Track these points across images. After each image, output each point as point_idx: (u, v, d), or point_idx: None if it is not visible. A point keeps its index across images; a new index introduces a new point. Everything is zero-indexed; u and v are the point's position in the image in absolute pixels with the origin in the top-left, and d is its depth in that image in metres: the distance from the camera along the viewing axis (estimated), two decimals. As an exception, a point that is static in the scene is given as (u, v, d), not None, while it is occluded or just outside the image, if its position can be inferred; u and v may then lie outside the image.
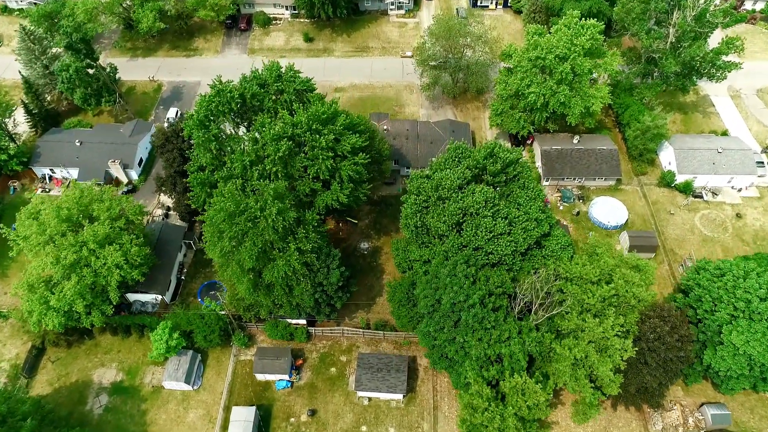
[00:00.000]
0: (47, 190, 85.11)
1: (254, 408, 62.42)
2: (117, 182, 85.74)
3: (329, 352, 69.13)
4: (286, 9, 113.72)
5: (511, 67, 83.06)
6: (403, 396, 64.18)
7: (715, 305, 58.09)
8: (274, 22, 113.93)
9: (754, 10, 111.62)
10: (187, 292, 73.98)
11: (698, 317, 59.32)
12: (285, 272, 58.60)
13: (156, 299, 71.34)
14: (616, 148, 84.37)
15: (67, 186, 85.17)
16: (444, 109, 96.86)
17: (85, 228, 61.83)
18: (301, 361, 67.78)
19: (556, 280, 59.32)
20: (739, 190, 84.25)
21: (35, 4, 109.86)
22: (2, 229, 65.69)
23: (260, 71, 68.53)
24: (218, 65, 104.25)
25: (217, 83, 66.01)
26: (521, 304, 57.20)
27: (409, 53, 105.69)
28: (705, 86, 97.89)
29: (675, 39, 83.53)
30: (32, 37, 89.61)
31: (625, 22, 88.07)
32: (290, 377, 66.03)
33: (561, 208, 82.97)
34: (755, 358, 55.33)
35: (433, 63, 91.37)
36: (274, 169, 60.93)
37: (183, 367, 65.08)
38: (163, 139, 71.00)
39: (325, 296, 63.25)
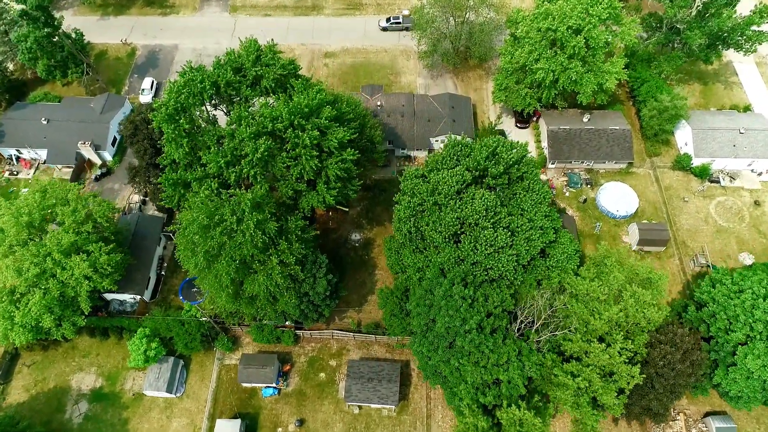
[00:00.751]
0: (15, 173, 79.06)
1: (239, 421, 59.77)
2: (90, 164, 79.61)
3: (318, 356, 65.85)
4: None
5: (518, 36, 74.80)
6: (396, 405, 61.43)
7: (730, 323, 53.95)
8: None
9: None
10: (168, 289, 69.81)
11: (710, 333, 55.36)
12: (267, 286, 54.11)
13: (134, 298, 67.27)
14: (630, 128, 77.58)
15: (36, 168, 79.79)
16: (443, 78, 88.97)
17: (48, 234, 56.62)
18: (288, 367, 64.61)
19: (561, 292, 54.99)
20: (759, 174, 78.25)
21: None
22: None
23: (236, 52, 60.92)
24: (197, 25, 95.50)
25: (188, 69, 58.71)
26: (521, 323, 53.08)
27: (406, 11, 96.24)
28: (729, 52, 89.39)
29: (702, 6, 74.82)
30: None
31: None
32: (277, 384, 63.04)
33: (567, 194, 77.32)
34: (771, 383, 52.02)
35: (432, 29, 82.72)
36: (252, 171, 54.97)
37: (164, 375, 61.91)
38: (132, 128, 64.39)
39: (312, 306, 59.10)
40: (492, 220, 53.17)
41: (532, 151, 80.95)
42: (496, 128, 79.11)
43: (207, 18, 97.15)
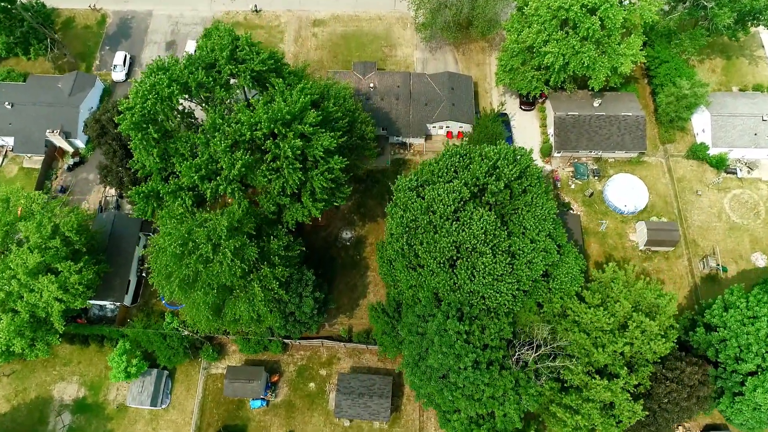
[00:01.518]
0: (-18, 161, 73.88)
1: (226, 437, 58.33)
2: (62, 152, 74.08)
3: (308, 365, 63.50)
4: None
5: (526, 12, 67.24)
6: (387, 420, 59.68)
7: (741, 350, 50.89)
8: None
9: None
10: (150, 293, 66.29)
11: (718, 359, 52.44)
12: (249, 312, 50.68)
13: (114, 305, 64.14)
14: (644, 115, 71.41)
15: (4, 156, 74.59)
16: (443, 51, 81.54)
17: (12, 254, 52.49)
18: (276, 377, 62.40)
19: (564, 317, 51.67)
20: (780, 164, 73.02)
21: None
22: None
23: (209, 45, 54.19)
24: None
25: (154, 69, 52.25)
26: (519, 350, 50.06)
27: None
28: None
29: (733, -22, 66.79)
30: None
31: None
32: (265, 395, 61.06)
33: (572, 186, 72.34)
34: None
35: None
36: (229, 189, 50.06)
37: (148, 389, 59.81)
38: (98, 128, 58.63)
39: (298, 324, 55.98)
40: (491, 244, 48.83)
41: (537, 137, 75.29)
42: (499, 114, 72.85)
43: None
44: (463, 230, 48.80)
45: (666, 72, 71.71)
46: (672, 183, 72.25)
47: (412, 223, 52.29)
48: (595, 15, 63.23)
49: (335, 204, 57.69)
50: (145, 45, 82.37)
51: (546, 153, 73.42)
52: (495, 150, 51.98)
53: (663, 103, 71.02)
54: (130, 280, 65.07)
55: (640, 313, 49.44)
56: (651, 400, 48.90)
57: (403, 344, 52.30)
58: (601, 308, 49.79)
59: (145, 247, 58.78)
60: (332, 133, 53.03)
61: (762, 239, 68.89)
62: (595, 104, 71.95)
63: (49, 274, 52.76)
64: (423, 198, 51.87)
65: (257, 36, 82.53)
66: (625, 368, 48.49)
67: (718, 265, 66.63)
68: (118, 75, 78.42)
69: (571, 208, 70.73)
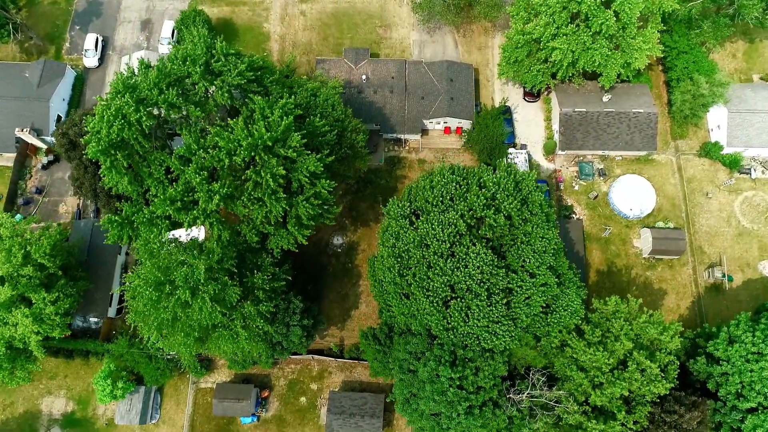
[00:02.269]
0: (-50, 159, 69.52)
1: (217, 457, 57.95)
2: (35, 150, 69.64)
3: (298, 379, 62.36)
4: None
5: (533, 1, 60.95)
6: (379, 437, 59.22)
7: (743, 386, 49.28)
8: None
9: None
10: (134, 302, 64.26)
11: (718, 391, 50.92)
12: (232, 349, 48.68)
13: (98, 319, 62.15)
14: (656, 111, 66.45)
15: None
16: (442, 32, 75.05)
17: (-18, 287, 49.81)
18: (267, 393, 61.38)
19: (561, 352, 49.76)
20: (798, 164, 68.86)
21: None
22: None
23: (179, 57, 48.85)
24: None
25: (120, 88, 47.12)
26: (512, 396, 48.48)
27: (399, -64, 78.79)
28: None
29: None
30: None
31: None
32: (256, 411, 60.28)
33: (576, 187, 68.46)
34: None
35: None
36: (207, 223, 46.57)
37: (136, 407, 58.91)
38: (67, 143, 54.15)
39: (286, 351, 54.15)
40: (487, 284, 45.96)
41: (540, 132, 70.65)
42: (500, 111, 67.88)
43: (158, -56, 79.88)
44: (458, 269, 45.78)
45: (684, 65, 65.97)
46: (681, 184, 68.40)
47: (405, 254, 49.25)
48: (610, 8, 57.26)
49: (324, 224, 54.36)
50: (118, 24, 75.76)
51: (550, 151, 69.05)
52: (494, 180, 47.98)
53: (678, 101, 65.83)
54: (113, 294, 62.72)
55: (641, 352, 47.36)
56: (646, 441, 47.89)
57: (393, 374, 50.60)
58: (601, 347, 47.63)
59: (122, 283, 55.62)
60: (318, 155, 48.93)
61: (771, 246, 66.04)
62: (605, 99, 66.80)
63: (23, 306, 50.18)
64: (416, 228, 48.45)
65: (240, 14, 76.06)
66: (624, 407, 47.06)
67: (724, 275, 64.12)
68: (91, 61, 72.51)
69: (574, 212, 67.33)
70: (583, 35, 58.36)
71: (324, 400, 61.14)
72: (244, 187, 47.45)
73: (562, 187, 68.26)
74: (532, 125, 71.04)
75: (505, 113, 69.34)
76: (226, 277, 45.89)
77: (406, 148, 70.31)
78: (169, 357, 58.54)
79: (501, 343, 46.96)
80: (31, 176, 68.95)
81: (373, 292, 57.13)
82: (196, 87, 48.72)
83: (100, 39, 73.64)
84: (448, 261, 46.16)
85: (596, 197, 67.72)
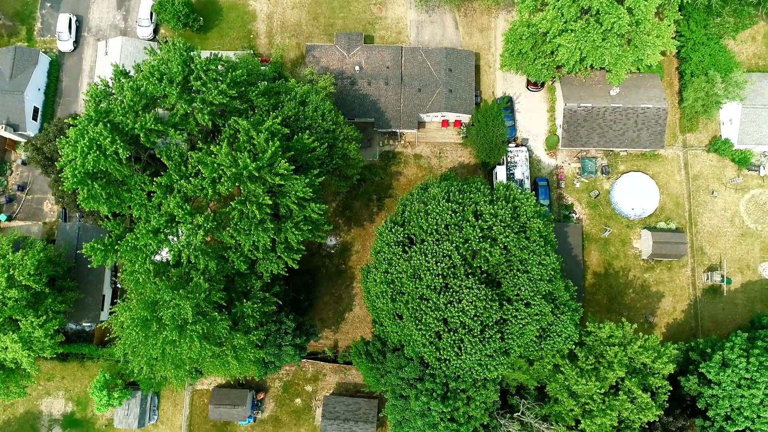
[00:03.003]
0: (-74, 154, 66.61)
1: (215, 459, 59.57)
2: (14, 144, 66.58)
3: (293, 380, 63.00)
4: None
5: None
6: (373, 439, 60.64)
7: (732, 409, 49.68)
8: None
9: None
10: (126, 304, 63.80)
11: (707, 411, 51.40)
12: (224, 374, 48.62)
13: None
14: (665, 107, 62.82)
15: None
16: (441, 12, 69.69)
17: (-32, 313, 48.92)
18: (262, 395, 62.18)
19: (554, 376, 49.74)
20: (810, 160, 66.07)
21: None
22: None
23: (155, 75, 45.15)
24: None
25: (92, 113, 43.74)
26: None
27: None
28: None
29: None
30: None
31: None
32: (253, 412, 61.40)
33: (577, 185, 66.05)
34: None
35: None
36: (193, 256, 44.91)
37: (133, 411, 59.87)
38: (41, 159, 51.31)
39: (278, 368, 54.24)
40: (481, 319, 45.08)
41: (543, 125, 67.27)
42: (501, 108, 64.19)
43: None
44: (452, 303, 44.72)
45: (700, 59, 61.61)
46: (687, 181, 66.00)
47: (397, 280, 48.03)
48: (623, 3, 52.63)
49: (316, 240, 52.77)
50: (92, 1, 70.18)
51: (552, 146, 66.06)
52: (491, 211, 45.77)
53: (690, 98, 62.03)
54: (104, 295, 62.16)
55: (633, 380, 47.29)
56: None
57: (387, 395, 50.92)
58: (593, 376, 47.49)
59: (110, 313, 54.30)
60: (307, 178, 46.57)
61: (774, 248, 64.69)
62: (612, 93, 63.00)
63: (10, 332, 49.53)
64: (409, 258, 46.86)
65: (224, -9, 70.27)
66: (612, 433, 47.81)
67: (723, 278, 63.22)
68: (66, 44, 67.82)
69: (574, 211, 65.39)
70: (593, 33, 54.03)
71: (319, 402, 62.13)
72: (230, 217, 45.42)
73: (563, 185, 65.89)
74: (534, 117, 67.52)
75: (507, 104, 65.68)
76: (215, 312, 44.90)
77: (402, 142, 67.22)
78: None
79: (493, 374, 46.70)
80: (12, 172, 66.38)
81: (366, 304, 56.36)
82: (175, 108, 45.45)
83: (74, 19, 68.45)
84: (442, 295, 44.99)
85: (597, 196, 65.52)
